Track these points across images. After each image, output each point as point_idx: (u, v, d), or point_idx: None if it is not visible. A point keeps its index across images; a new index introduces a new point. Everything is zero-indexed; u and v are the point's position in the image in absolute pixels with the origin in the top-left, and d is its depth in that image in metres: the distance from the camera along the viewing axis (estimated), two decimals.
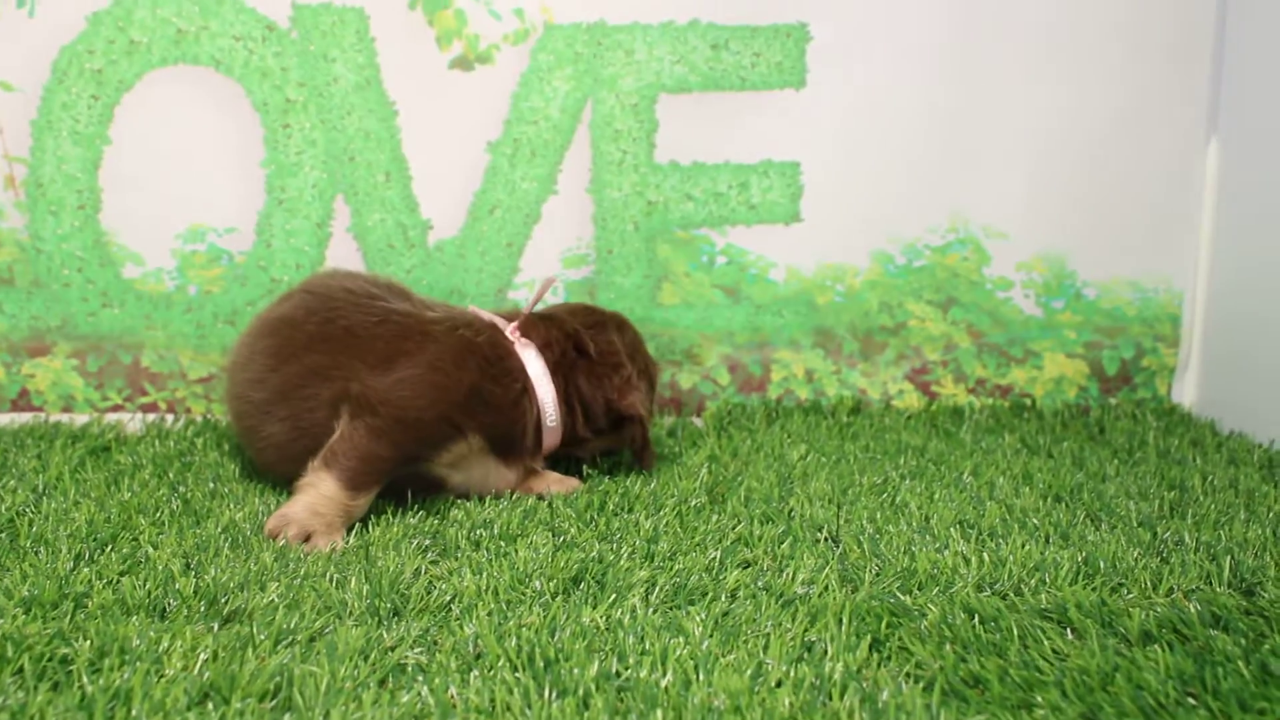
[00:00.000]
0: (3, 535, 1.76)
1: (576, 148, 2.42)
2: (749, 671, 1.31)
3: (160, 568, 1.60)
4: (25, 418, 2.40)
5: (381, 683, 1.31)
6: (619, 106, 2.41)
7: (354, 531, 1.79)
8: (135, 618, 1.45)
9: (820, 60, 2.44)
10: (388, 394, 1.84)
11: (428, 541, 1.73)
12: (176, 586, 1.53)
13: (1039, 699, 1.26)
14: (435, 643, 1.40)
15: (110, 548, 1.69)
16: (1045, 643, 1.39)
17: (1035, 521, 1.83)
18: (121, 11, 2.33)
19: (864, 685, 1.29)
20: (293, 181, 2.39)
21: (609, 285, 2.46)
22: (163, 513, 1.84)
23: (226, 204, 2.40)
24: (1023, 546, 1.71)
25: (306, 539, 1.76)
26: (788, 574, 1.61)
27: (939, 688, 1.28)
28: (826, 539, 1.77)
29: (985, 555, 1.67)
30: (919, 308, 2.52)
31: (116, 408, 2.43)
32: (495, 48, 2.38)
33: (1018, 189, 2.50)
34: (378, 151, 2.39)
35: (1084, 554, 1.66)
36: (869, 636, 1.41)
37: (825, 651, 1.37)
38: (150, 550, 1.68)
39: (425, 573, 1.62)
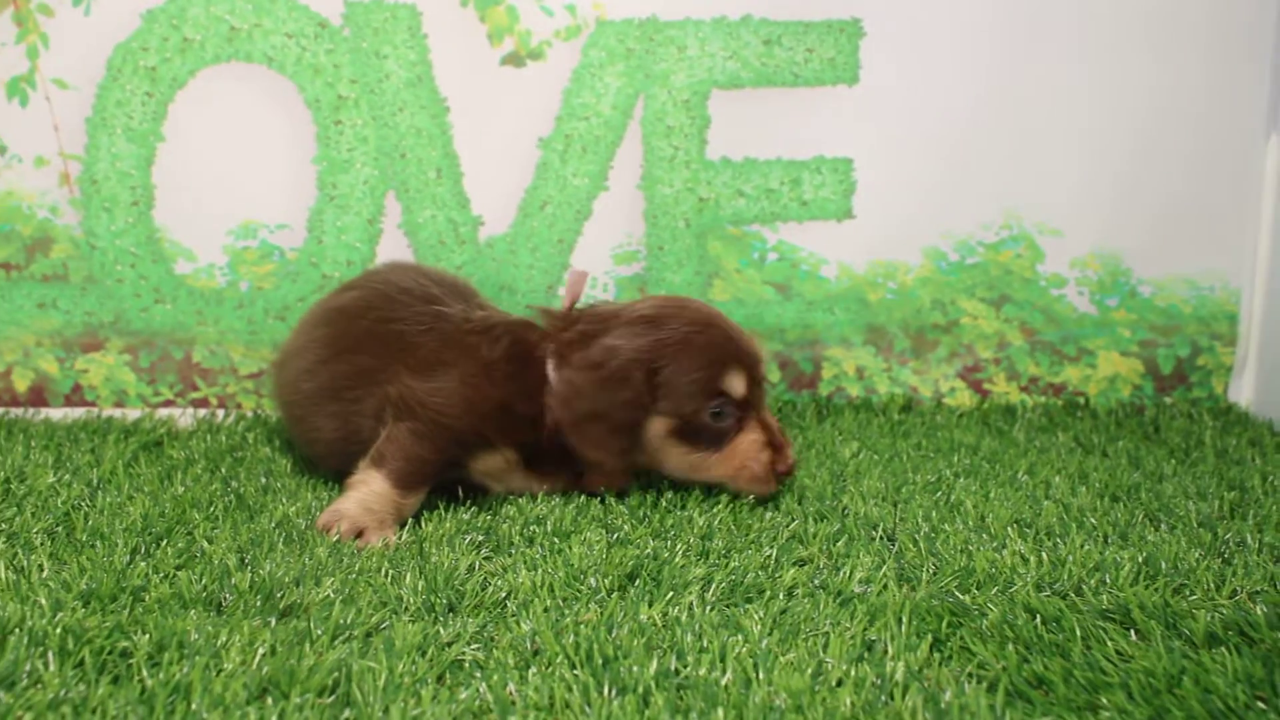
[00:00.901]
0: (59, 529, 1.77)
1: (628, 144, 2.41)
2: (809, 670, 1.30)
3: (216, 562, 1.61)
4: (78, 412, 2.42)
5: (439, 679, 1.30)
6: (671, 102, 2.40)
7: (407, 527, 1.79)
8: (193, 611, 1.46)
9: (874, 56, 2.42)
10: (426, 397, 1.85)
11: (481, 537, 1.73)
12: (232, 581, 1.53)
13: (1104, 701, 1.24)
14: (492, 639, 1.39)
15: (166, 542, 1.70)
16: (1109, 644, 1.37)
17: (1093, 521, 1.81)
18: (175, 9, 2.34)
19: (926, 685, 1.27)
20: (344, 178, 2.39)
21: (659, 282, 2.45)
22: (216, 507, 1.85)
23: (278, 200, 2.40)
24: (1082, 546, 1.68)
25: (359, 535, 1.76)
26: (844, 572, 1.60)
27: (1003, 688, 1.26)
28: (882, 537, 1.76)
29: (1044, 555, 1.65)
30: (971, 305, 2.50)
31: (168, 403, 2.44)
32: (547, 44, 2.38)
33: (1072, 185, 2.48)
34: (429, 148, 2.39)
35: (1144, 554, 1.64)
36: (929, 636, 1.39)
37: (885, 651, 1.36)
38: (205, 544, 1.68)
39: (479, 569, 1.61)
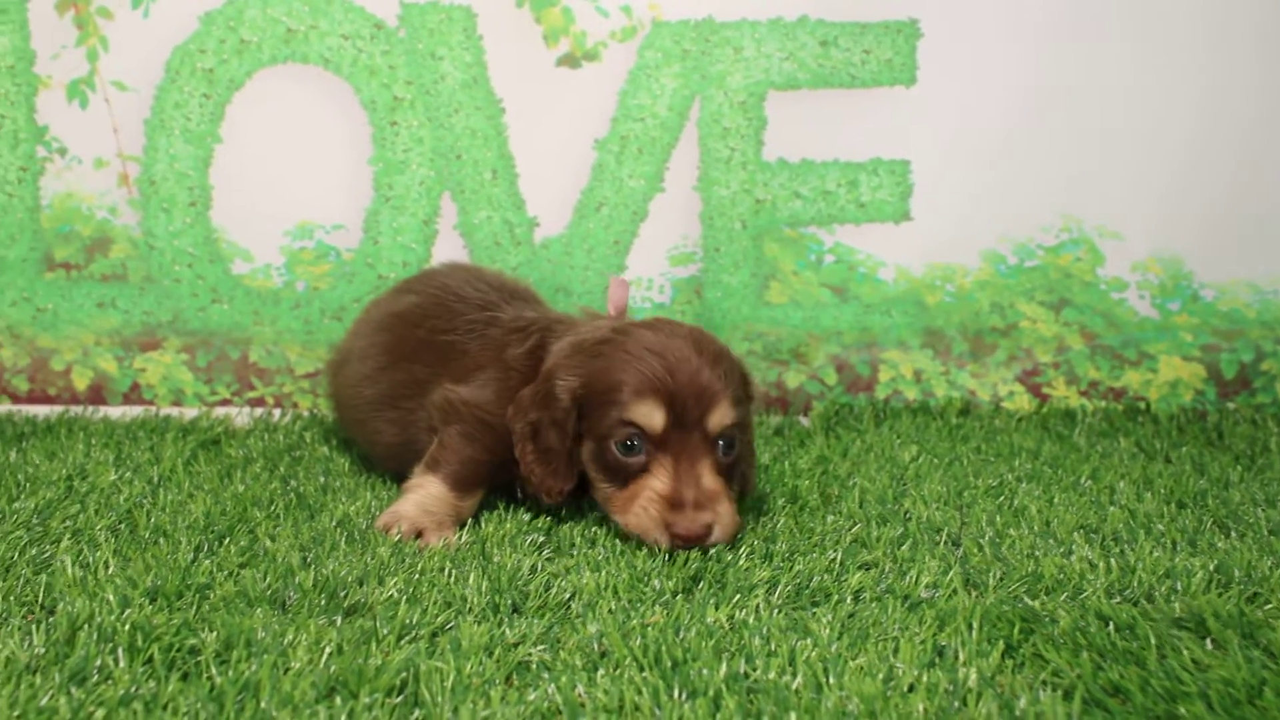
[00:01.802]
0: (122, 526, 1.78)
1: (684, 145, 2.40)
2: (880, 676, 1.28)
3: (279, 560, 1.60)
4: (136, 411, 2.43)
5: (506, 680, 1.29)
6: (727, 104, 2.39)
7: (467, 528, 1.78)
8: (258, 610, 1.45)
9: (931, 57, 2.40)
10: (470, 397, 1.84)
11: (542, 539, 1.72)
12: (296, 580, 1.53)
13: (1183, 711, 1.22)
14: (558, 640, 1.38)
15: (228, 540, 1.70)
16: (1184, 653, 1.34)
17: (1160, 528, 1.78)
18: (233, 11, 2.34)
19: (1000, 692, 1.26)
20: (400, 179, 2.39)
21: (716, 283, 2.44)
22: (277, 506, 1.85)
23: (334, 201, 2.41)
24: (1151, 553, 1.66)
25: (418, 535, 1.75)
26: (911, 577, 1.58)
27: (1079, 697, 1.24)
28: (946, 541, 1.74)
29: (1112, 561, 1.63)
30: (1030, 308, 2.47)
31: (224, 402, 2.45)
32: (603, 45, 2.37)
33: (1133, 188, 2.45)
34: (485, 149, 2.39)
35: (1215, 562, 1.61)
36: (1001, 642, 1.37)
37: (957, 656, 1.34)
38: (268, 543, 1.68)
39: (542, 570, 1.60)
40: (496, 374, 1.87)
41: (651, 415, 1.68)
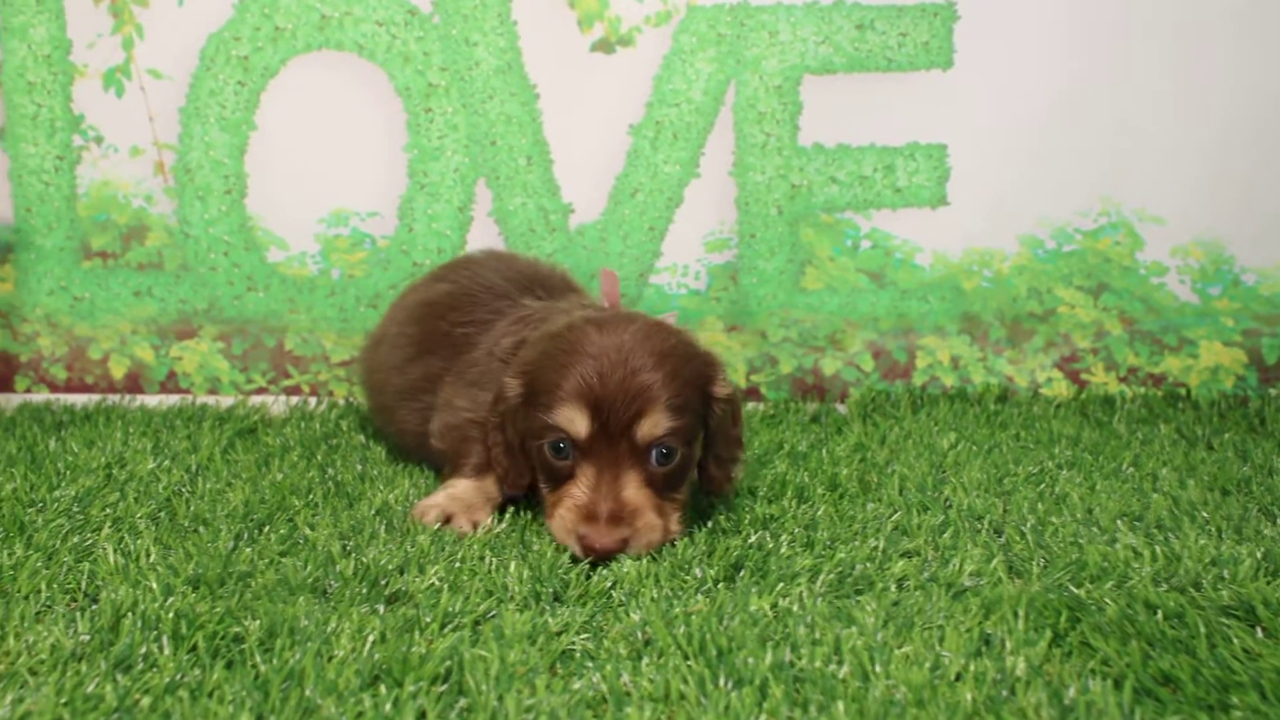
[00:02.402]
0: (162, 514, 1.78)
1: (719, 130, 2.39)
2: (927, 664, 1.27)
3: (319, 548, 1.60)
4: (173, 399, 2.44)
5: (550, 668, 1.29)
6: (762, 88, 2.37)
7: (506, 517, 1.77)
8: (300, 598, 1.45)
9: (968, 39, 2.38)
10: (463, 408, 1.86)
11: None
12: (337, 568, 1.53)
13: (1236, 700, 1.20)
14: (601, 629, 1.38)
15: (268, 528, 1.70)
16: (1235, 641, 1.33)
17: (1205, 515, 1.76)
18: None
19: (1049, 681, 1.24)
20: (435, 166, 2.39)
21: (751, 269, 2.42)
22: (315, 494, 1.85)
23: (369, 188, 2.41)
24: (1196, 540, 1.64)
25: (447, 520, 1.74)
26: (954, 565, 1.57)
27: (1129, 686, 1.23)
28: (988, 529, 1.72)
29: (1157, 549, 1.61)
30: (1069, 294, 2.45)
31: (260, 390, 2.45)
32: (637, 30, 2.36)
33: (1173, 172, 2.42)
34: (519, 135, 2.38)
35: (1262, 550, 1.60)
36: (1048, 631, 1.36)
37: (1003, 645, 1.33)
38: (308, 531, 1.68)
39: (582, 559, 1.60)
40: (489, 367, 1.86)
41: (575, 421, 1.62)
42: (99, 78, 2.37)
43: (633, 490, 1.61)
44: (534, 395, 1.67)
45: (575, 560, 1.59)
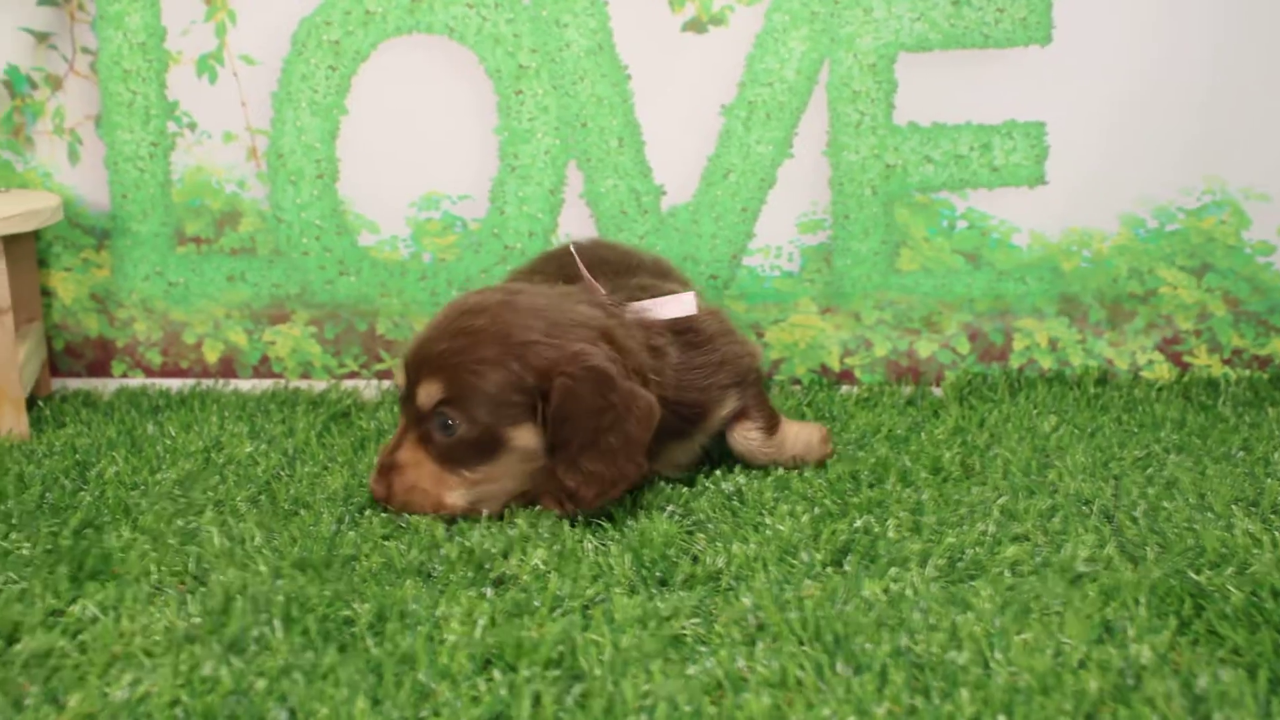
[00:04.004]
0: (262, 497, 1.79)
1: (813, 110, 2.35)
2: (1049, 651, 1.24)
3: (423, 532, 1.60)
4: (266, 383, 2.45)
5: (660, 653, 1.27)
6: (857, 66, 2.34)
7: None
8: (407, 581, 1.45)
9: (1068, 14, 2.32)
10: None
11: (680, 512, 1.70)
12: (441, 551, 1.53)
13: None
14: (711, 613, 1.36)
15: (369, 511, 1.70)
16: None
17: None
18: None
19: (1177, 670, 1.21)
20: (525, 148, 2.38)
21: (845, 251, 2.39)
22: None
23: (460, 171, 2.40)
24: None
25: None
26: (1067, 550, 1.53)
27: (1263, 675, 1.19)
28: (1098, 514, 1.68)
29: (1277, 535, 1.57)
30: (1171, 274, 2.39)
31: (352, 374, 2.46)
32: (729, 9, 2.33)
33: None
34: (610, 117, 2.36)
35: None
36: (1172, 618, 1.32)
37: (1126, 632, 1.29)
38: (407, 515, 1.68)
39: (686, 542, 1.58)
40: None
41: (398, 376, 1.72)
42: (192, 64, 2.38)
43: (405, 451, 1.67)
44: None
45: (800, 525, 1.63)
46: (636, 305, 1.81)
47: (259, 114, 2.39)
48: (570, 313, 1.69)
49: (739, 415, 1.87)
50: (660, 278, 2.03)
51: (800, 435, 1.91)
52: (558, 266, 2.01)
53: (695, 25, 2.34)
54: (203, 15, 2.36)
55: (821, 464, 1.90)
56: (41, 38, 2.37)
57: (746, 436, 1.87)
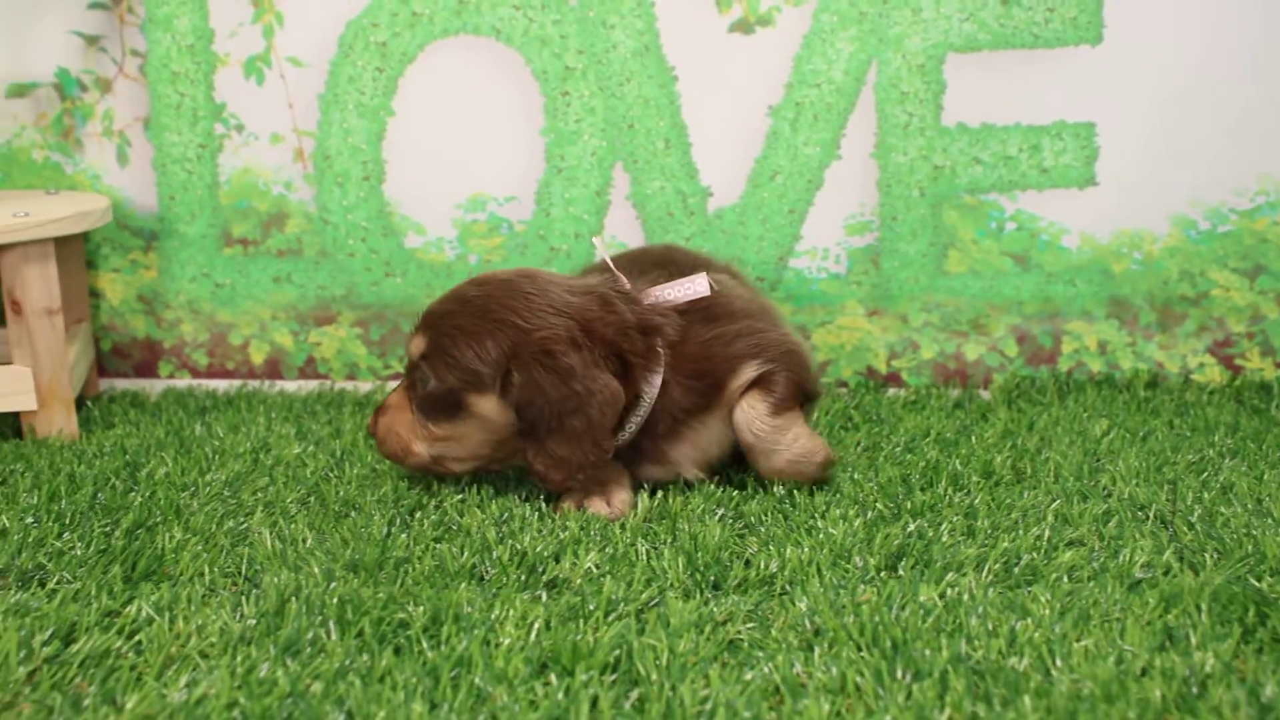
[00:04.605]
0: (311, 499, 1.79)
1: (860, 111, 2.34)
2: (1110, 659, 1.22)
3: (474, 534, 1.60)
4: (312, 385, 2.45)
5: (716, 658, 1.27)
6: (905, 67, 2.32)
7: (657, 503, 1.75)
8: (461, 584, 1.45)
9: (1118, 14, 2.30)
10: None
11: (731, 515, 1.69)
12: (494, 554, 1.52)
13: None
14: (767, 618, 1.35)
15: (420, 513, 1.70)
16: None
17: None
18: None
19: (1242, 678, 1.19)
20: (572, 150, 2.37)
21: (893, 252, 2.37)
22: (462, 480, 1.84)
23: (506, 173, 2.40)
24: None
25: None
26: (1124, 555, 1.51)
27: None
28: (1154, 519, 1.66)
29: None
30: (1223, 276, 2.37)
31: (397, 375, 2.46)
32: (776, 9, 2.32)
33: None
34: (657, 118, 2.35)
35: None
36: (1235, 625, 1.30)
37: (1189, 640, 1.28)
38: (458, 518, 1.68)
39: (738, 546, 1.57)
40: None
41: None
42: (240, 66, 2.38)
43: (396, 395, 1.81)
44: None
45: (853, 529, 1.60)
46: (654, 290, 1.83)
47: (306, 116, 2.40)
48: (556, 299, 1.75)
49: (753, 385, 1.80)
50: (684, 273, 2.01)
51: (805, 442, 1.79)
52: (638, 262, 2.01)
53: (742, 26, 2.33)
54: (250, 18, 2.37)
55: (813, 483, 1.81)
56: (91, 41, 2.39)
57: (751, 404, 1.78)
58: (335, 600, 1.35)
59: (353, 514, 1.70)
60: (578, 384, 1.67)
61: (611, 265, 1.85)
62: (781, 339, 1.83)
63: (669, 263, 1.99)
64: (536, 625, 1.31)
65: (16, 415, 2.17)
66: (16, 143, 2.42)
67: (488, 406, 1.71)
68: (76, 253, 2.37)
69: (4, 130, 2.41)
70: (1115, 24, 2.30)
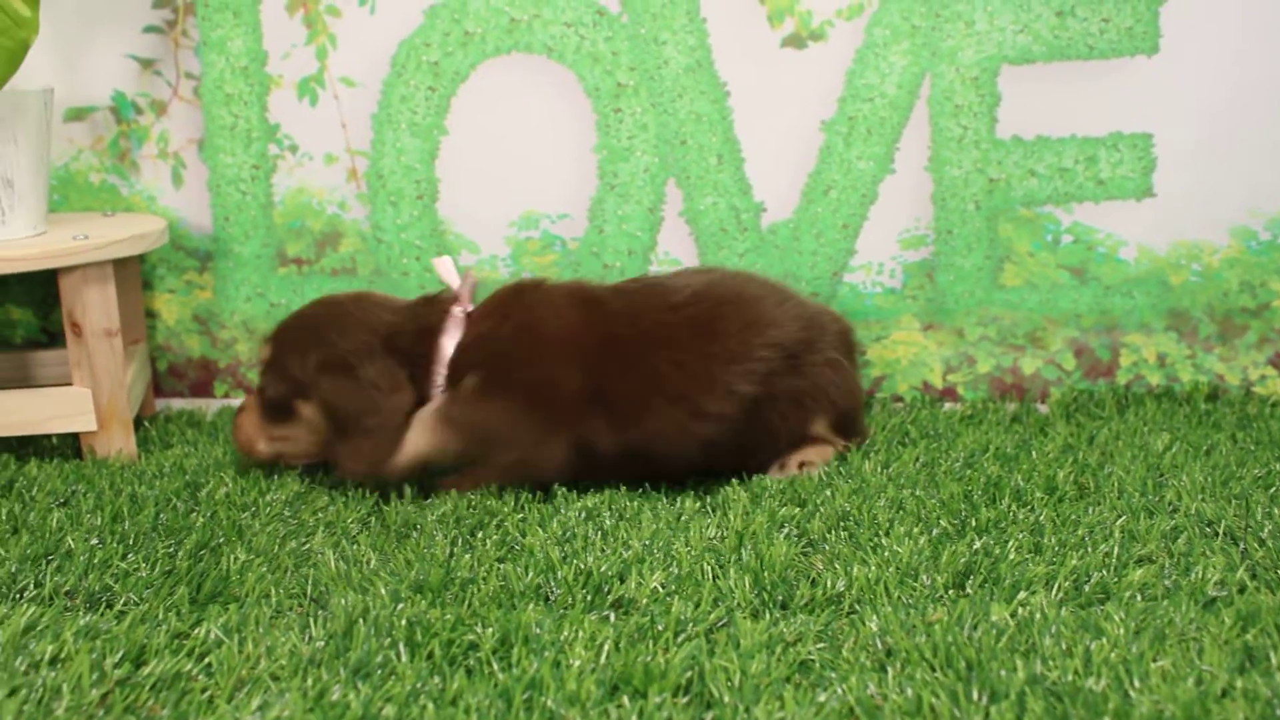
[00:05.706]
0: (371, 519, 1.79)
1: (914, 124, 2.32)
2: (1190, 680, 1.20)
3: (537, 554, 1.59)
4: None
5: (789, 679, 1.26)
6: (959, 80, 2.31)
7: (718, 520, 1.74)
8: (528, 604, 1.44)
9: (1175, 23, 2.27)
10: None
11: (795, 532, 1.68)
12: (559, 574, 1.52)
13: None
14: (837, 638, 1.34)
15: (481, 533, 1.70)
16: None
17: None
18: (457, 4, 2.35)
19: None
20: (624, 166, 2.37)
21: (948, 267, 2.36)
22: (521, 499, 1.84)
23: (559, 190, 2.40)
24: None
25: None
26: (1196, 573, 1.49)
27: None
28: (1224, 535, 1.64)
29: None
30: None
31: None
32: (829, 24, 2.31)
33: None
34: (709, 134, 2.35)
35: None
36: None
37: (1270, 660, 1.26)
38: (520, 536, 1.68)
39: (802, 564, 1.56)
40: None
41: None
42: (293, 87, 2.40)
43: (250, 397, 2.04)
44: None
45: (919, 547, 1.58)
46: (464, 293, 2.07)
47: (359, 136, 2.41)
48: (372, 318, 1.98)
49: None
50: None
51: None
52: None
53: (794, 41, 2.32)
54: (304, 39, 2.38)
55: None
56: (147, 64, 2.41)
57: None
58: (404, 622, 1.35)
59: (414, 534, 1.71)
60: (371, 390, 1.90)
61: (452, 283, 2.06)
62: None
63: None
64: (606, 646, 1.30)
65: (76, 436, 2.18)
66: (74, 166, 2.44)
67: (309, 411, 1.95)
68: (133, 274, 2.39)
69: (62, 154, 2.44)
70: (1171, 34, 2.28)
